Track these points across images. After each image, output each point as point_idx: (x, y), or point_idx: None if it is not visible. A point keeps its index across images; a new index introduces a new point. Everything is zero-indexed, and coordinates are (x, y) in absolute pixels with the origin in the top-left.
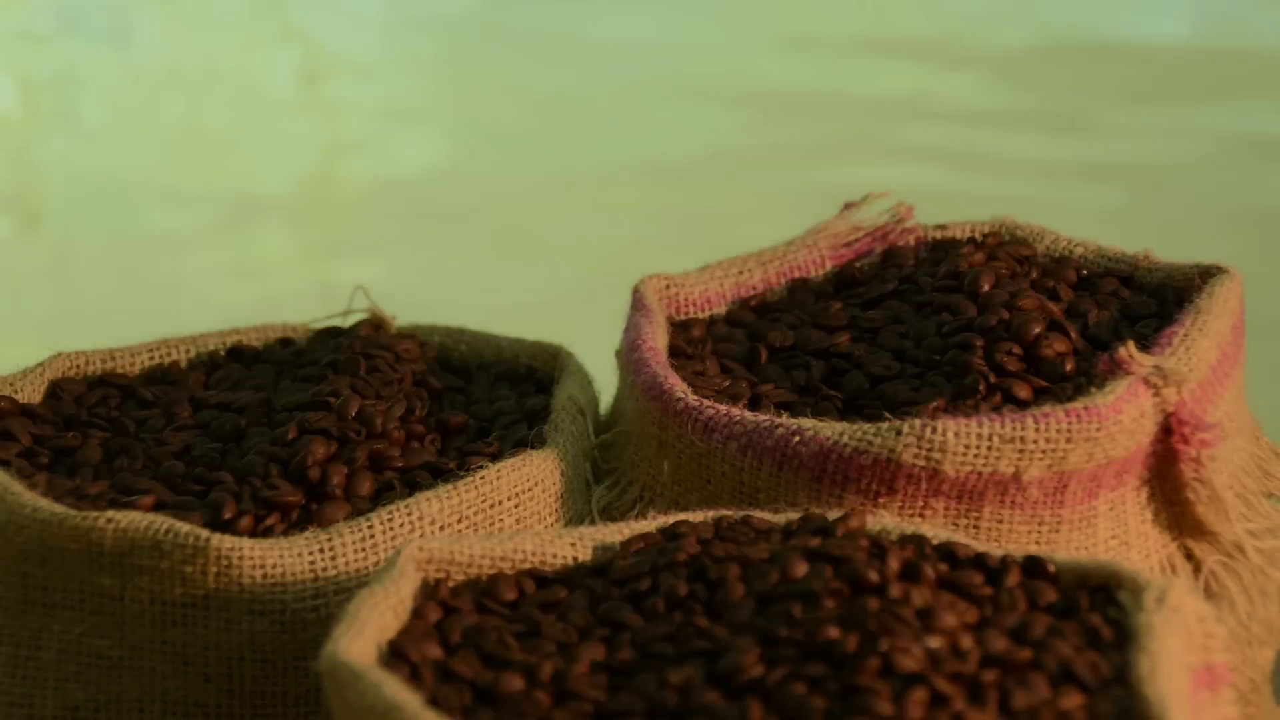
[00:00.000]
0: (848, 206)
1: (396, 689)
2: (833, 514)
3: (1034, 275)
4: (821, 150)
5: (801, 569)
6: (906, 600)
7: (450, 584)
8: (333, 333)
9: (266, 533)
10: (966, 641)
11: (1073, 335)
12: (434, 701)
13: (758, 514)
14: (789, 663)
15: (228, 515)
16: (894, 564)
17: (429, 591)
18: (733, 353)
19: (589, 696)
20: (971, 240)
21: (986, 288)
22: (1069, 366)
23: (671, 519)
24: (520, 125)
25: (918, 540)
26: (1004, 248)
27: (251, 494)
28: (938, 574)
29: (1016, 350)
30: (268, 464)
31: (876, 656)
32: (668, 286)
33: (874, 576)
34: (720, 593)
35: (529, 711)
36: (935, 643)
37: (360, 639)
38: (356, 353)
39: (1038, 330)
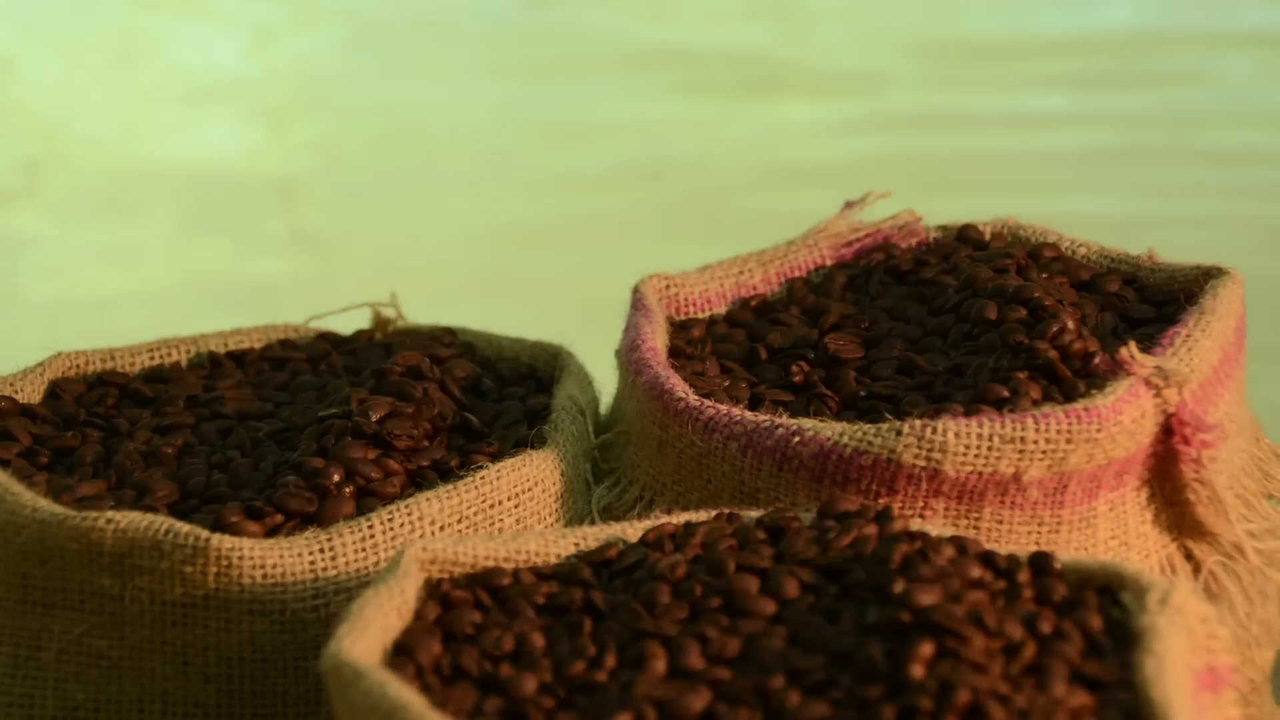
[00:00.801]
0: (849, 205)
1: (400, 689)
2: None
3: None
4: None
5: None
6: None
7: (453, 584)
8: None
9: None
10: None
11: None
12: (437, 701)
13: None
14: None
15: (232, 519)
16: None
17: (432, 591)
18: (733, 353)
19: (593, 696)
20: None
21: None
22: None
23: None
24: (519, 121)
25: (923, 538)
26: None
27: (268, 498)
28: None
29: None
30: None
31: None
32: (668, 286)
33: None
34: (733, 594)
35: (533, 711)
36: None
37: (364, 639)
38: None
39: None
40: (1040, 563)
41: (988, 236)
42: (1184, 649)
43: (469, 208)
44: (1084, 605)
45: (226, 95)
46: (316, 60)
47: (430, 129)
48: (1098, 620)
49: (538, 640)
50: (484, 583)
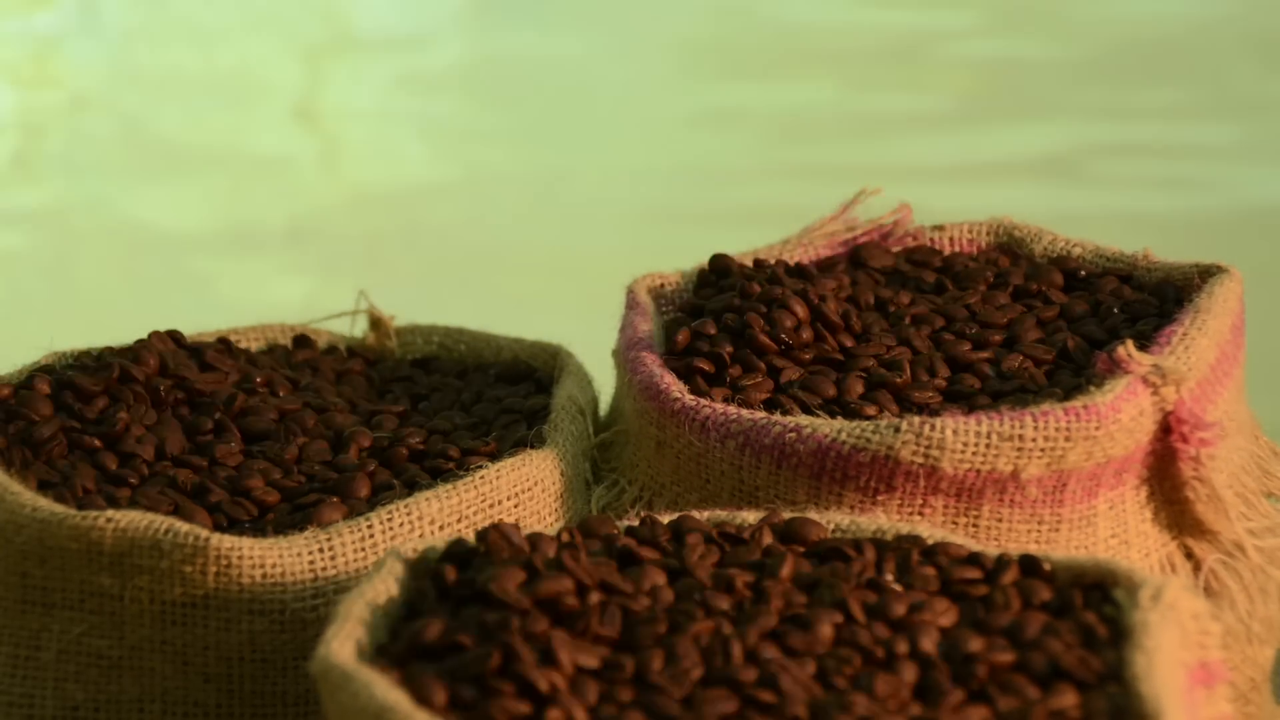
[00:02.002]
0: (848, 205)
1: (388, 689)
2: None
3: (1015, 282)
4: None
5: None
6: (899, 601)
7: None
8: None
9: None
10: (959, 641)
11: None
12: (426, 701)
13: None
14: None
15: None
16: (889, 564)
17: (421, 591)
18: (730, 348)
19: (581, 697)
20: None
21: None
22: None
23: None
24: (516, 122)
25: (911, 540)
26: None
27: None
28: (929, 574)
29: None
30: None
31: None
32: (661, 285)
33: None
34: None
35: (521, 711)
36: (929, 644)
37: (351, 640)
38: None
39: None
40: (1028, 564)
41: (982, 235)
42: (1176, 645)
43: (467, 205)
44: (1075, 603)
45: (226, 94)
46: (316, 56)
47: (432, 124)
48: (1089, 617)
49: (526, 640)
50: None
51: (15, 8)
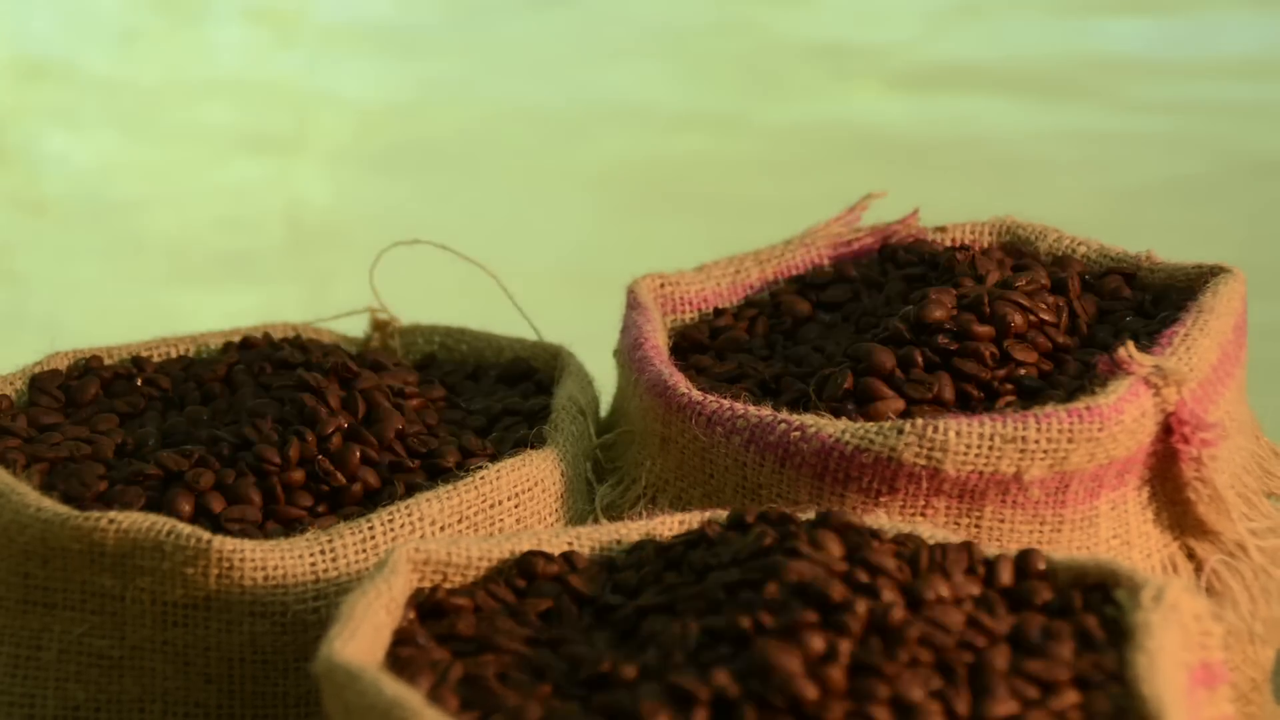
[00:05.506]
0: (854, 208)
1: (396, 687)
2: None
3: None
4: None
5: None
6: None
7: (446, 584)
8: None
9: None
10: (959, 639)
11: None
12: (432, 698)
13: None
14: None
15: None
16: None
17: (423, 591)
18: (735, 349)
19: (580, 695)
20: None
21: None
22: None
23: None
24: (516, 122)
25: (910, 539)
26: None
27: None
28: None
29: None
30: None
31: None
32: (663, 285)
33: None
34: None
35: (525, 710)
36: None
37: (354, 640)
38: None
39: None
40: (1025, 564)
41: (985, 235)
42: (1178, 646)
43: (469, 205)
44: (1075, 604)
45: (227, 94)
46: (317, 58)
47: (431, 126)
48: (1091, 618)
49: (527, 639)
50: (476, 583)
51: None
